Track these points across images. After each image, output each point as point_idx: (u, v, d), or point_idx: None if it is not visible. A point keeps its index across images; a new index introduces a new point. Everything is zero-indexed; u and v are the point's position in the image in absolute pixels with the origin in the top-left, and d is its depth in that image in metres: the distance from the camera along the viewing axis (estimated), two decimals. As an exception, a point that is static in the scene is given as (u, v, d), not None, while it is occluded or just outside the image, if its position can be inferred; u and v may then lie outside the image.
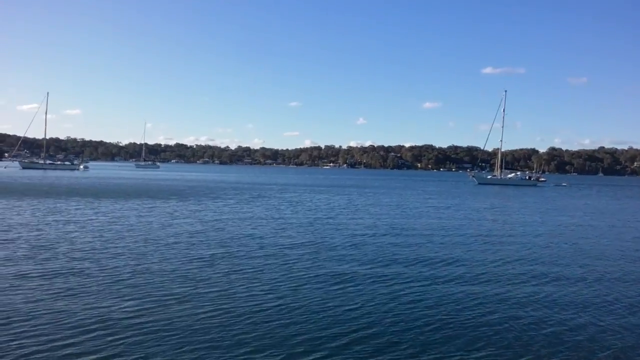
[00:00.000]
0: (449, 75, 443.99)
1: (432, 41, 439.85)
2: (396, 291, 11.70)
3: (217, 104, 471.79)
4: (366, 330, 9.02)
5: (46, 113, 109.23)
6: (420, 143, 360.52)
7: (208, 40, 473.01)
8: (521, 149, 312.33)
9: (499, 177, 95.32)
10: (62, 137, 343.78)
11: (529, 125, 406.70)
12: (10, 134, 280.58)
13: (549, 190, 75.44)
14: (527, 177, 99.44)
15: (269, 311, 9.93)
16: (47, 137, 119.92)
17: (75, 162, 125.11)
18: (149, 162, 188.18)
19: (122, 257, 14.52)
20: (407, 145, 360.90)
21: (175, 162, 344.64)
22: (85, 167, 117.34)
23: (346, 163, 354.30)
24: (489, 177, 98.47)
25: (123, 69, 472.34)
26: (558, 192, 72.21)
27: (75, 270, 12.64)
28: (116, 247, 16.05)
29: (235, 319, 9.42)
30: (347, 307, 10.32)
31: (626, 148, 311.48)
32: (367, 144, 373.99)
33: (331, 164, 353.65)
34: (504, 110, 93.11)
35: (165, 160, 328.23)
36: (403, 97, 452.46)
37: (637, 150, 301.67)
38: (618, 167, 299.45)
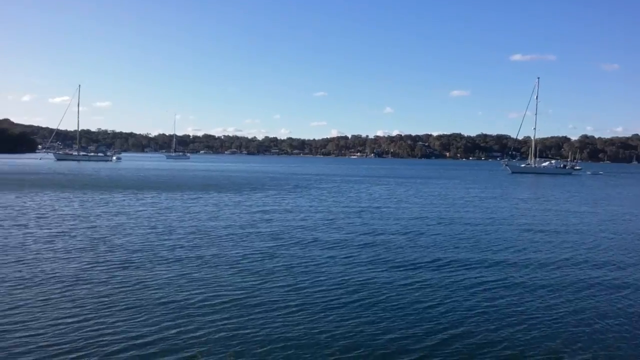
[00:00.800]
0: (477, 63, 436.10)
1: (460, 28, 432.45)
2: (473, 294, 11.13)
3: (244, 95, 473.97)
4: (453, 331, 8.50)
5: (78, 105, 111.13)
6: (448, 132, 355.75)
7: (235, 32, 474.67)
8: (552, 137, 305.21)
9: (533, 166, 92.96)
10: (93, 129, 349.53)
11: (561, 112, 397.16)
12: (43, 126, 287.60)
13: (588, 179, 73.42)
14: (561, 166, 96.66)
15: (346, 308, 9.48)
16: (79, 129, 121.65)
17: (108, 153, 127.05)
18: (180, 153, 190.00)
19: (180, 249, 14.27)
20: (435, 134, 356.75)
21: (204, 152, 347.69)
22: (118, 158, 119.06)
23: (373, 153, 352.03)
24: (522, 165, 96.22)
25: (152, 62, 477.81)
26: (597, 180, 70.16)
27: (136, 263, 12.42)
28: (170, 239, 15.84)
29: (312, 316, 8.98)
30: (426, 304, 9.80)
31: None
32: (394, 133, 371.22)
33: (358, 154, 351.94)
34: (537, 98, 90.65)
35: (194, 151, 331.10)
36: (430, 86, 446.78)
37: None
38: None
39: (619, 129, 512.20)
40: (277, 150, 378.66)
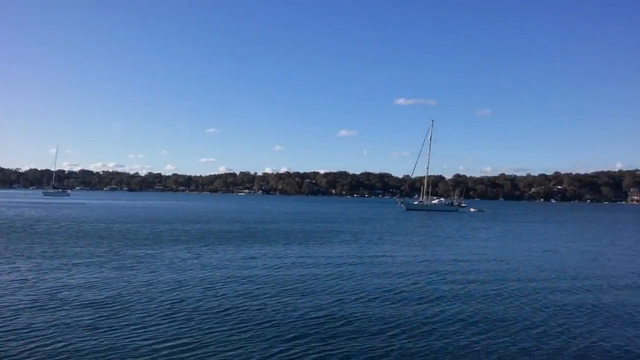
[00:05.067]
0: (364, 104, 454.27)
1: (348, 70, 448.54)
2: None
3: (129, 130, 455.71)
4: None
5: None
6: (335, 170, 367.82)
7: (129, 64, 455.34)
8: (429, 176, 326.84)
9: (425, 203, 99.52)
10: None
11: (437, 153, 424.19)
12: None
13: (475, 217, 75.23)
14: (449, 203, 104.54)
15: None
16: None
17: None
18: (59, 190, 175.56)
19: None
20: (322, 171, 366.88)
21: (80, 189, 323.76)
22: None
23: (261, 189, 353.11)
24: (415, 203, 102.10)
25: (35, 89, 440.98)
26: (492, 218, 72.91)
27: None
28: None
29: None
30: None
31: (524, 175, 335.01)
32: (282, 170, 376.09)
33: (246, 191, 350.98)
34: (430, 139, 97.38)
35: (69, 188, 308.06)
36: (319, 125, 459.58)
37: (534, 176, 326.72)
38: (517, 192, 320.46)
39: (488, 169, 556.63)
40: (161, 187, 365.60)
